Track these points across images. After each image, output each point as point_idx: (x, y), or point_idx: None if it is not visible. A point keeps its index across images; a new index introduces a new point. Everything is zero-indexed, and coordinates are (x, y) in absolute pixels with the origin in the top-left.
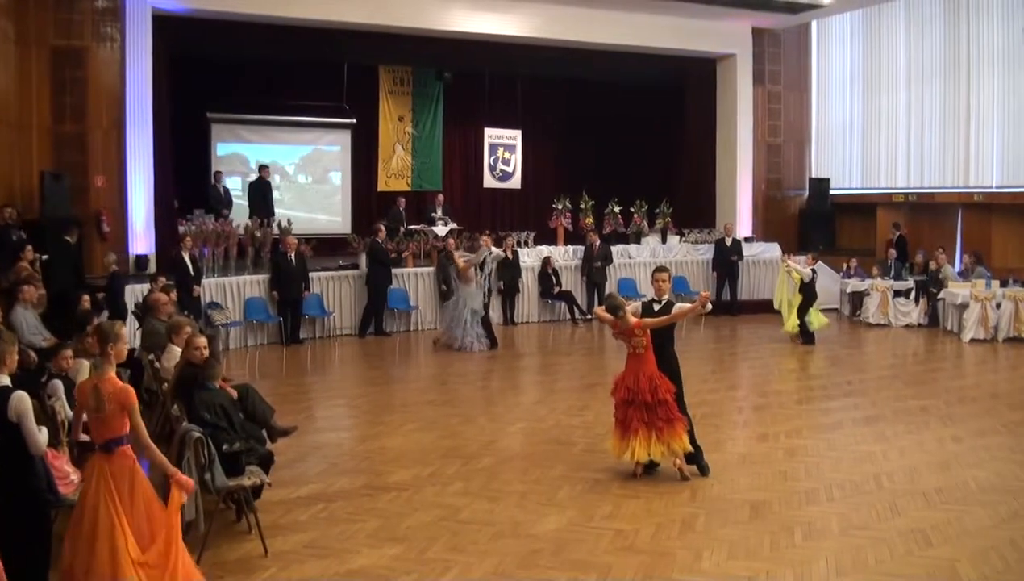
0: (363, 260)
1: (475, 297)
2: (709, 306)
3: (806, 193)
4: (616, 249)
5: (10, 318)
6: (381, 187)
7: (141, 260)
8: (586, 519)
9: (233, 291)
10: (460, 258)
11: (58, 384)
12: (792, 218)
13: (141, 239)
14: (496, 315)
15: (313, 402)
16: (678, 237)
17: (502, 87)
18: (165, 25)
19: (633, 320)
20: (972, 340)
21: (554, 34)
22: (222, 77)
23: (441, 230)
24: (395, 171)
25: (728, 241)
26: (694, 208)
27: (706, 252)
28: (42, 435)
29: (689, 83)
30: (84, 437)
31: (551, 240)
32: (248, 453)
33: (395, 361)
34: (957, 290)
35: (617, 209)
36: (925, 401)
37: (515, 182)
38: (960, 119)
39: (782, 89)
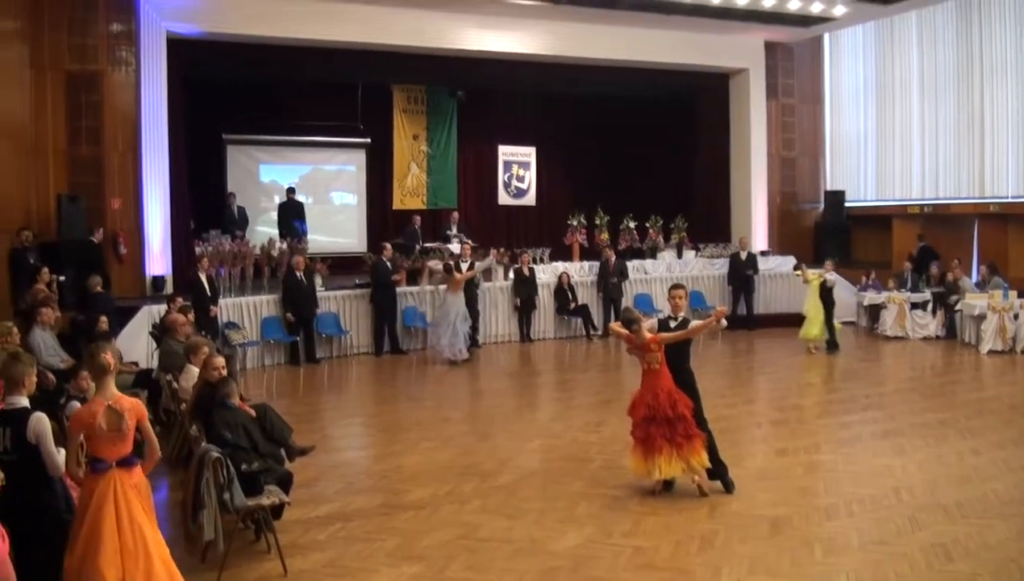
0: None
1: (462, 304)
2: (725, 322)
3: (821, 206)
4: (632, 264)
5: (28, 340)
6: (396, 205)
7: (158, 281)
8: (605, 536)
9: (250, 311)
10: (459, 275)
11: (76, 405)
12: (807, 231)
13: (158, 260)
14: (513, 331)
15: (330, 421)
16: (693, 252)
17: (516, 104)
18: (180, 48)
19: (648, 335)
20: (990, 352)
21: (567, 51)
22: (237, 98)
23: (456, 247)
24: (410, 189)
25: (743, 255)
26: (709, 222)
27: (722, 266)
28: (60, 456)
29: (702, 97)
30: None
31: (566, 256)
32: (267, 473)
33: (411, 379)
34: (974, 301)
35: (632, 224)
36: (944, 414)
37: (530, 199)
38: (974, 129)
39: (795, 102)
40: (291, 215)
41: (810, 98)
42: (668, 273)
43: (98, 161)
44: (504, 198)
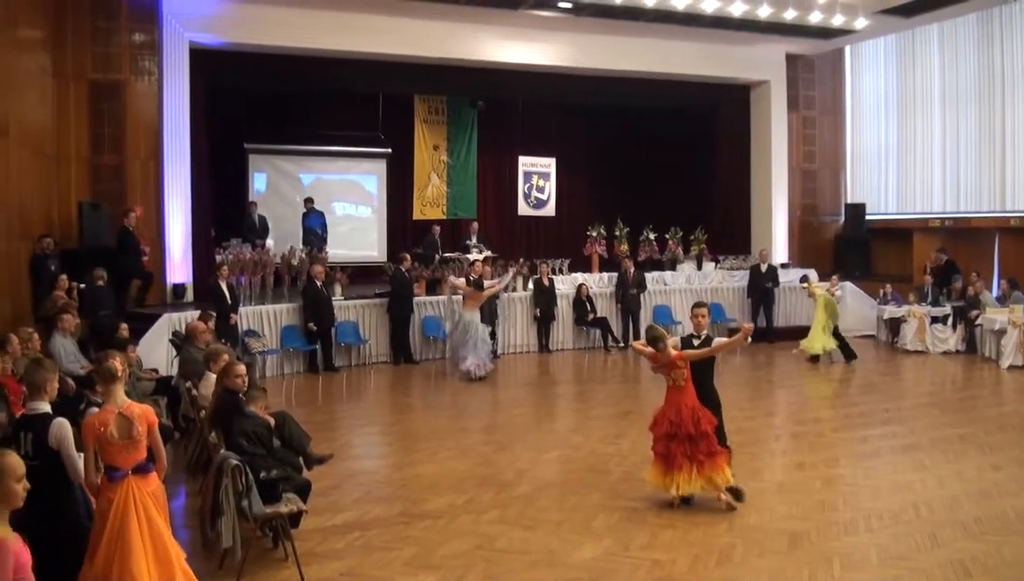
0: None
1: (478, 319)
2: (749, 339)
3: (842, 218)
4: (651, 276)
5: (49, 346)
6: (416, 215)
7: (178, 289)
8: (622, 549)
9: (270, 319)
10: (488, 286)
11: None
12: (828, 244)
13: (178, 268)
14: (532, 342)
15: (348, 430)
16: (713, 264)
17: (536, 115)
18: (202, 58)
19: (674, 352)
20: (1010, 367)
21: (587, 63)
22: (259, 108)
23: (476, 258)
24: (430, 199)
25: (763, 267)
26: (729, 234)
27: (741, 279)
28: (81, 461)
29: (723, 109)
30: None
31: (586, 267)
32: (285, 481)
33: (429, 388)
34: (995, 316)
35: (652, 236)
36: (964, 429)
37: (549, 209)
38: (996, 142)
39: (816, 114)
40: (311, 225)
41: (831, 110)
42: (688, 285)
43: (120, 169)
44: (524, 208)
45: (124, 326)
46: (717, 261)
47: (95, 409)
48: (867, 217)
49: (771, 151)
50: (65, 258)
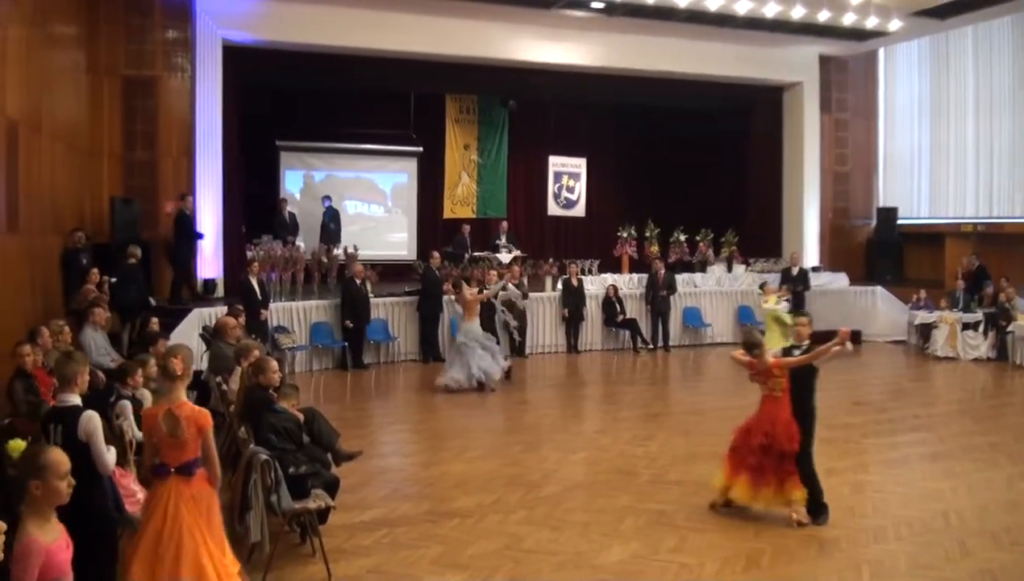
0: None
1: (477, 329)
2: (850, 345)
3: (873, 222)
4: (681, 278)
5: (80, 339)
6: (446, 214)
7: (209, 284)
8: (650, 552)
9: (299, 315)
10: (469, 293)
11: (126, 404)
12: (859, 247)
13: (209, 263)
14: (560, 342)
15: (377, 427)
16: (744, 266)
17: (567, 115)
18: (235, 55)
19: (771, 359)
20: None
21: (619, 63)
22: (291, 106)
23: (505, 257)
24: (460, 198)
25: (795, 270)
26: (760, 237)
27: (773, 282)
28: (110, 454)
29: (755, 110)
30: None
31: (615, 268)
32: (314, 477)
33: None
34: None
35: (682, 237)
36: (994, 437)
37: (579, 210)
38: None
39: (849, 117)
40: (329, 222)
41: (864, 113)
42: (718, 287)
43: (152, 165)
44: (553, 208)
45: (155, 320)
46: (748, 263)
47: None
48: (899, 221)
49: (803, 153)
50: (96, 252)
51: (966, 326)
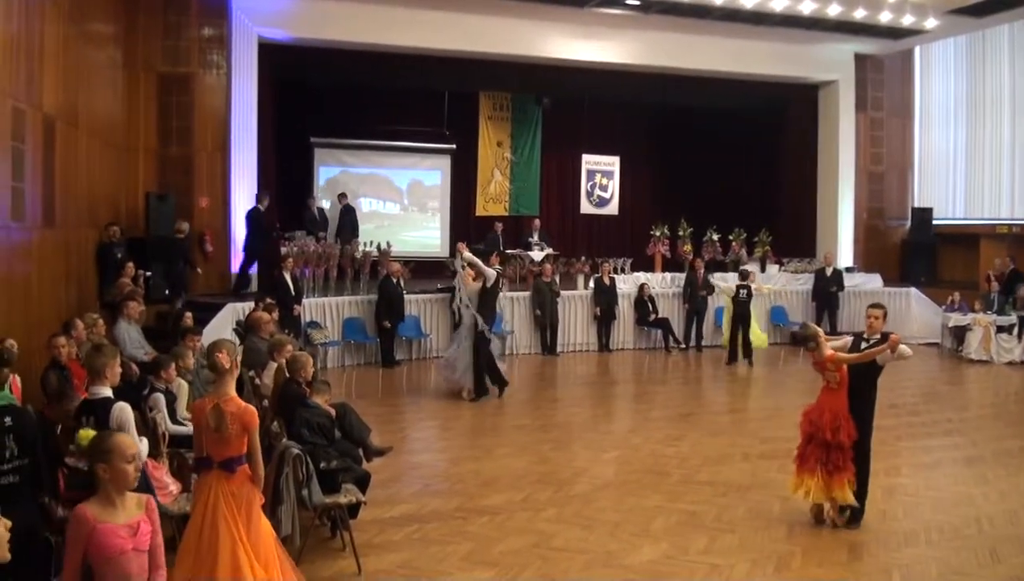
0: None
1: (467, 320)
2: (907, 351)
3: (908, 223)
4: (714, 277)
5: (113, 332)
6: (479, 212)
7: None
8: (680, 552)
9: (332, 311)
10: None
11: (159, 397)
12: (894, 248)
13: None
14: (592, 341)
15: (408, 423)
16: (777, 266)
17: (600, 113)
18: (271, 52)
19: (827, 353)
20: None
21: (653, 60)
22: (325, 103)
23: (537, 255)
24: (493, 196)
25: (828, 271)
26: (794, 236)
27: (806, 282)
28: (142, 446)
29: (790, 109)
30: None
31: (648, 267)
32: (345, 471)
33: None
34: None
35: (715, 236)
36: None
37: (612, 208)
38: None
39: (884, 116)
40: (346, 219)
41: (900, 112)
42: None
43: (187, 160)
44: (586, 207)
45: (188, 314)
46: (781, 263)
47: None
48: (934, 222)
49: (838, 152)
50: (131, 247)
51: (1000, 329)
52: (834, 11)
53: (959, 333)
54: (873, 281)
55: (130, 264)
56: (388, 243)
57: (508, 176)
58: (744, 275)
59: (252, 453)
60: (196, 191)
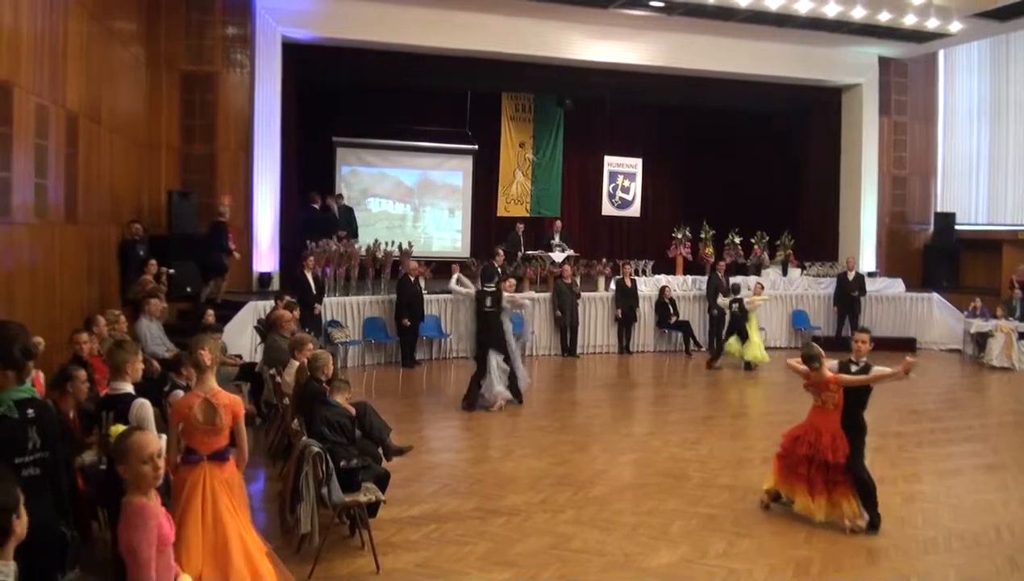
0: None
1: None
2: (913, 374)
3: (931, 228)
4: (735, 280)
5: (135, 328)
6: (500, 212)
7: (264, 278)
8: (699, 556)
9: (353, 311)
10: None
11: (180, 394)
12: (916, 253)
13: (265, 257)
14: (612, 343)
15: (427, 423)
16: (799, 270)
17: (623, 115)
18: (294, 52)
19: (829, 374)
20: None
21: (676, 62)
22: (348, 102)
23: (558, 256)
24: (514, 197)
25: (850, 275)
26: (816, 240)
27: (828, 286)
28: (161, 442)
29: (813, 112)
30: None
31: (669, 269)
32: (365, 470)
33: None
34: None
35: (737, 240)
36: None
37: (634, 210)
38: None
39: (908, 120)
40: (346, 219)
41: (923, 116)
42: (772, 290)
43: (210, 159)
44: (608, 208)
45: (210, 312)
46: (803, 267)
47: (180, 392)
48: (956, 227)
49: (861, 156)
50: (153, 244)
51: (1022, 335)
52: (859, 14)
53: (981, 339)
54: (895, 286)
55: (152, 261)
56: (409, 243)
57: (530, 177)
58: (736, 289)
59: (239, 437)
60: (218, 189)
